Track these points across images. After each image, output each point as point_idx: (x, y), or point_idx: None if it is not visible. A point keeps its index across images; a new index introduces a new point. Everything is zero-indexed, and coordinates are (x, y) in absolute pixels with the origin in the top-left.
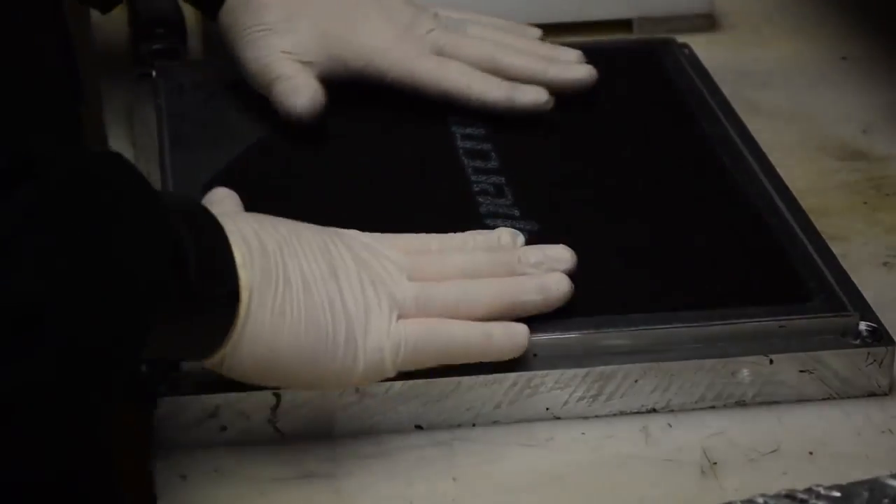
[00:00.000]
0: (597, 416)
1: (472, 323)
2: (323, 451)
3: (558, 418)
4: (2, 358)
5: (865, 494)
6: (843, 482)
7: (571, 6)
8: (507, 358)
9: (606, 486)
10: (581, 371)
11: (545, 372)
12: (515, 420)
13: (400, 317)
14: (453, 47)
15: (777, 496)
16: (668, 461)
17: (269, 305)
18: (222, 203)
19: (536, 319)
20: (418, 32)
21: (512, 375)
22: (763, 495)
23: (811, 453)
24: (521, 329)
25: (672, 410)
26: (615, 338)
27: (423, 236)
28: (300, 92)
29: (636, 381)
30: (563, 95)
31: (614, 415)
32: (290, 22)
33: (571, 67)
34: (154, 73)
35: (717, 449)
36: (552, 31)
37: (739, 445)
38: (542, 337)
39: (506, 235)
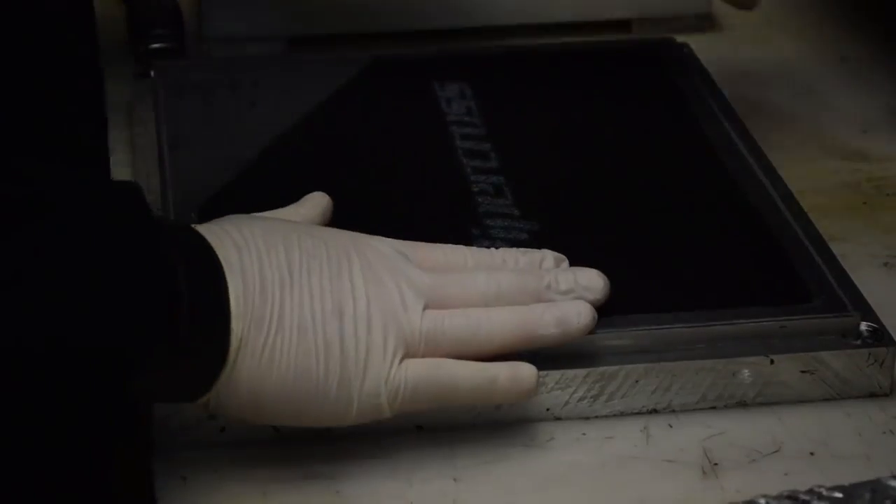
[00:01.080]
0: (597, 417)
1: (478, 366)
2: (323, 451)
3: (559, 419)
4: None
5: (868, 495)
6: (845, 483)
7: (570, 6)
8: (511, 402)
9: (607, 486)
10: (581, 371)
11: (545, 372)
12: (516, 420)
13: (405, 356)
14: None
15: (779, 497)
16: (668, 462)
17: (258, 353)
18: (304, 205)
19: None
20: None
21: None
22: (764, 496)
23: (812, 454)
24: (528, 375)
25: (673, 411)
26: (616, 338)
27: (460, 251)
28: None
29: (637, 381)
30: None
31: (615, 415)
32: None
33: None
34: (152, 73)
35: (718, 449)
36: (551, 31)
37: (740, 446)
38: None
39: (549, 259)
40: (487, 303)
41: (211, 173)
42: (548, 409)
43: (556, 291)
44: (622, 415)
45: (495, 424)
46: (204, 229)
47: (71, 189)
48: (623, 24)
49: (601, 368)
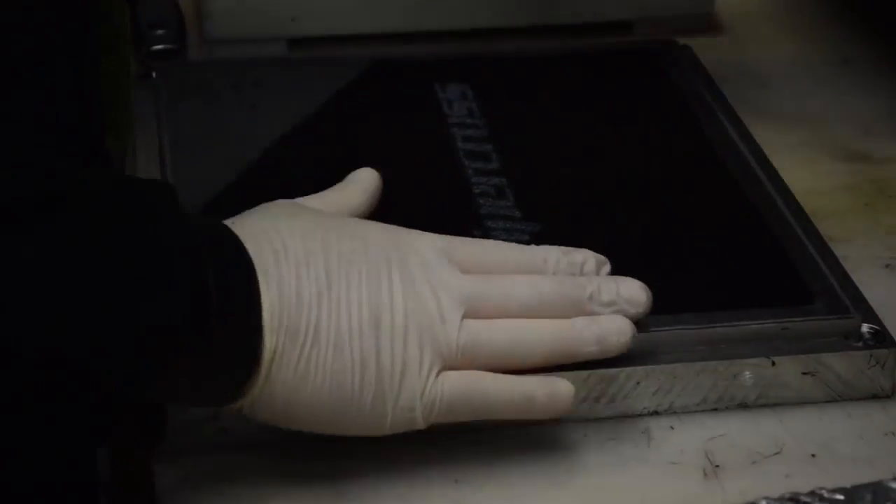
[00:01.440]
0: (599, 419)
1: (515, 382)
2: (323, 451)
3: (560, 420)
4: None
5: (869, 497)
6: (847, 485)
7: (571, 8)
8: (547, 418)
9: (609, 488)
10: (583, 373)
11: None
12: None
13: (442, 369)
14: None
15: (780, 499)
16: (670, 464)
17: (293, 366)
18: (349, 188)
19: None
20: None
21: None
22: (766, 498)
23: (814, 456)
24: (566, 391)
25: (674, 413)
26: None
27: (501, 249)
28: None
29: (638, 383)
30: None
31: (616, 417)
32: None
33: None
34: (154, 75)
35: (719, 451)
36: (552, 33)
37: (742, 448)
38: None
39: (591, 262)
40: (528, 312)
41: (212, 175)
42: None
43: (598, 303)
44: (624, 417)
45: (497, 426)
46: (245, 233)
47: (101, 186)
48: (625, 25)
49: (602, 370)
